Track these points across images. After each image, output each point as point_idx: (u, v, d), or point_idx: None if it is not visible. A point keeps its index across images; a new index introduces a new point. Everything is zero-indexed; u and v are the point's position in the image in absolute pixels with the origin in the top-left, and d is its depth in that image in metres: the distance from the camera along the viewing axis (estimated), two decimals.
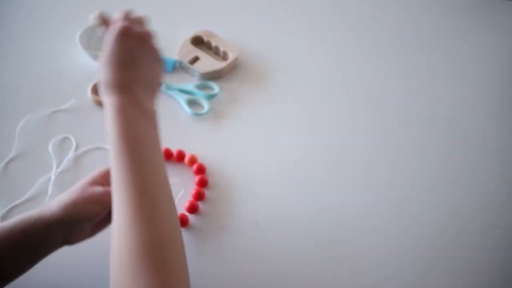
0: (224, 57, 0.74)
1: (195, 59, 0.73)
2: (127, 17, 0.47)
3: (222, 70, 0.71)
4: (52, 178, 0.59)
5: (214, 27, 0.77)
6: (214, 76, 0.72)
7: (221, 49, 0.74)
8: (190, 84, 0.70)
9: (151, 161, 0.38)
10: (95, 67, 0.72)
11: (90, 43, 0.72)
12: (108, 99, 0.40)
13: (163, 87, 0.69)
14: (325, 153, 0.64)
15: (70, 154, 0.62)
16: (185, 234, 0.54)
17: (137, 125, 0.39)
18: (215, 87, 0.70)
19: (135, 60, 0.43)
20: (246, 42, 0.77)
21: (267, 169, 0.61)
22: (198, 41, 0.76)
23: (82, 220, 0.43)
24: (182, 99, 0.68)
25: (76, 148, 0.63)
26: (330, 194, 0.59)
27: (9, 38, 0.78)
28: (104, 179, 0.46)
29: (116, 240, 0.34)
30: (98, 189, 0.44)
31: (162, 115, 0.67)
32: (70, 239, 0.45)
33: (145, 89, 0.43)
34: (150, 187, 0.36)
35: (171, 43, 0.75)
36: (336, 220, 0.57)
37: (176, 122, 0.67)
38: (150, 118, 0.42)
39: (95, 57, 0.70)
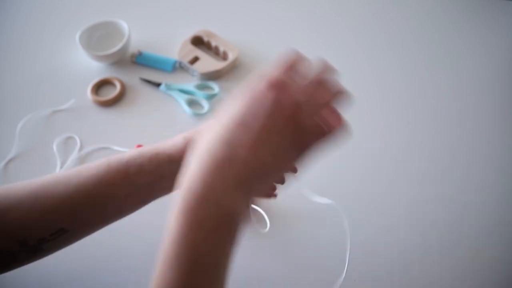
0: (224, 57, 0.74)
1: (195, 59, 0.73)
2: (293, 69, 0.31)
3: (222, 70, 0.71)
4: None
5: (214, 27, 0.77)
6: (214, 76, 0.72)
7: (221, 49, 0.74)
8: (190, 84, 0.70)
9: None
10: (95, 66, 0.73)
11: (90, 43, 0.72)
12: (191, 182, 0.29)
13: (162, 87, 0.70)
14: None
15: (75, 154, 0.62)
16: None
17: (215, 236, 0.29)
18: (215, 87, 0.70)
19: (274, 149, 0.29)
20: (246, 42, 0.77)
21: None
22: (198, 41, 0.76)
23: None
24: (182, 99, 0.68)
25: (81, 148, 0.63)
26: (329, 194, 0.59)
27: (9, 38, 0.78)
28: None
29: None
30: None
31: (162, 115, 0.68)
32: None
33: (245, 172, 0.29)
34: None
35: (171, 43, 0.75)
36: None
37: (176, 122, 0.67)
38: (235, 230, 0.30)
39: (95, 57, 0.70)
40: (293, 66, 0.31)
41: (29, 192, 0.37)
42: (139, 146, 0.61)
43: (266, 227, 0.53)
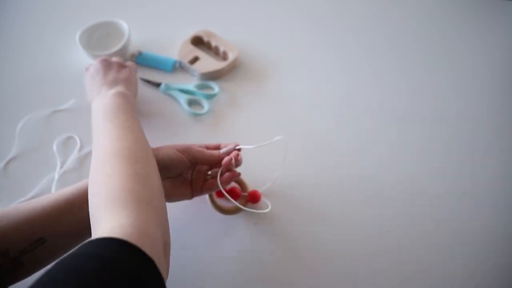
0: (224, 57, 0.74)
1: (195, 59, 0.73)
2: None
3: (222, 70, 0.71)
4: (56, 177, 0.59)
5: (214, 27, 0.77)
6: (214, 76, 0.72)
7: (221, 49, 0.74)
8: (190, 84, 0.70)
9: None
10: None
11: (90, 43, 0.72)
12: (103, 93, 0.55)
13: (163, 87, 0.69)
14: (324, 153, 0.64)
15: (75, 154, 0.62)
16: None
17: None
18: (215, 87, 0.70)
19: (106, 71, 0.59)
20: (246, 42, 0.77)
21: (266, 169, 0.61)
22: (198, 41, 0.76)
23: (168, 167, 0.49)
24: (182, 99, 0.68)
25: (81, 148, 0.63)
26: (329, 193, 0.59)
27: (9, 38, 0.78)
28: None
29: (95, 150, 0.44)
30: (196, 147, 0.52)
31: (162, 115, 0.68)
32: None
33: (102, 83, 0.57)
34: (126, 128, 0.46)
35: (171, 43, 0.75)
36: (337, 219, 0.57)
37: (176, 122, 0.67)
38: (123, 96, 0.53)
39: (95, 57, 0.70)
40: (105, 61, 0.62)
41: (7, 209, 0.40)
42: None
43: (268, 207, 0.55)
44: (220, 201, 0.57)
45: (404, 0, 0.88)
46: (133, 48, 0.74)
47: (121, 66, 0.60)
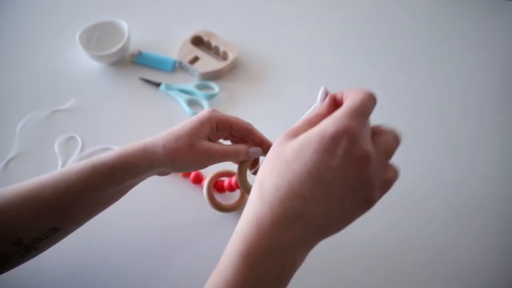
0: (224, 57, 0.74)
1: (195, 59, 0.73)
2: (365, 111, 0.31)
3: (222, 70, 0.71)
4: None
5: (214, 27, 0.77)
6: (214, 76, 0.72)
7: (221, 49, 0.74)
8: (190, 84, 0.70)
9: None
10: (94, 66, 0.73)
11: (90, 43, 0.72)
12: (261, 204, 0.30)
13: (162, 87, 0.69)
14: None
15: (76, 154, 0.62)
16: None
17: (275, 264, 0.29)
18: (215, 87, 0.70)
19: (331, 185, 0.28)
20: (246, 42, 0.77)
21: None
22: (198, 41, 0.76)
23: (184, 170, 0.45)
24: (182, 99, 0.68)
25: (82, 148, 0.63)
26: None
27: (9, 38, 0.78)
28: (211, 130, 0.43)
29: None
30: (208, 145, 0.42)
31: (162, 116, 0.68)
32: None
33: (314, 230, 0.29)
34: None
35: (171, 43, 0.75)
36: None
37: (176, 122, 0.66)
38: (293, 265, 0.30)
39: (95, 57, 0.70)
40: (366, 111, 0.31)
41: (16, 197, 0.39)
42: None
43: None
44: (218, 198, 0.56)
45: (405, 0, 0.88)
46: (133, 48, 0.74)
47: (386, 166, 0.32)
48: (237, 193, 0.58)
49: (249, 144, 0.45)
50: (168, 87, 0.70)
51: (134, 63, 0.73)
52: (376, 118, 0.70)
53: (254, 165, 0.48)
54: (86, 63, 0.73)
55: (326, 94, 0.37)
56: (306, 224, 0.28)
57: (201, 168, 0.44)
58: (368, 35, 0.81)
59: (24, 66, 0.73)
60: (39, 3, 0.84)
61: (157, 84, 0.70)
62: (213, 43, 0.74)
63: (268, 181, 0.30)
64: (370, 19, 0.84)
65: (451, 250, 0.55)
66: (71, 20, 0.79)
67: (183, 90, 0.70)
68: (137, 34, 0.75)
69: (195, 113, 0.67)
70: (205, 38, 0.75)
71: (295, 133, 0.31)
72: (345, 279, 0.52)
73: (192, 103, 0.69)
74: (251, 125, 0.46)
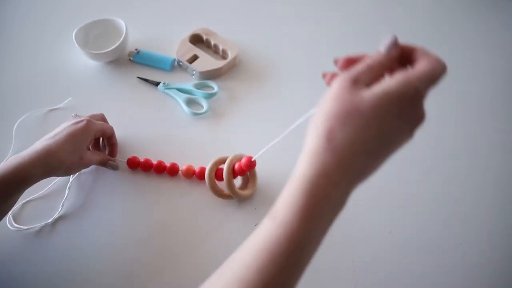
0: (223, 55, 0.73)
1: (194, 58, 0.72)
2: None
3: (221, 69, 0.71)
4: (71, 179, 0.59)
5: (213, 26, 0.76)
6: (213, 75, 0.71)
7: (220, 47, 0.73)
8: (189, 83, 0.70)
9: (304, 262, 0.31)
10: (92, 65, 0.72)
11: (87, 41, 0.71)
12: (331, 157, 0.29)
13: (161, 87, 0.69)
14: None
15: None
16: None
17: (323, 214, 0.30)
18: (214, 86, 0.69)
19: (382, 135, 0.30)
20: (246, 40, 0.76)
21: (266, 169, 0.60)
22: (197, 40, 0.76)
23: (69, 174, 0.56)
24: (180, 98, 0.67)
25: None
26: None
27: (7, 37, 0.78)
28: (91, 140, 0.55)
29: (235, 261, 0.31)
30: (90, 156, 0.55)
31: (160, 115, 0.67)
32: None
33: (357, 175, 0.31)
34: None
35: (170, 41, 0.74)
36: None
37: (175, 122, 0.66)
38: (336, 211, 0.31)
39: (92, 55, 0.70)
40: (438, 82, 0.34)
41: None
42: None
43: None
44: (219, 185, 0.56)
45: (405, 0, 0.87)
46: (131, 47, 0.73)
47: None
48: (239, 179, 0.58)
49: (107, 156, 0.59)
50: (167, 86, 0.69)
51: (132, 61, 0.73)
52: None
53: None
54: (83, 62, 0.72)
55: (395, 44, 0.36)
56: (364, 177, 0.31)
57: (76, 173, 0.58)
58: (368, 35, 0.80)
59: (22, 65, 0.73)
60: (37, 3, 0.83)
61: (156, 83, 0.70)
62: (213, 42, 0.74)
63: (341, 133, 0.29)
64: (370, 19, 0.83)
65: (452, 250, 0.55)
66: (70, 19, 0.78)
67: (182, 89, 0.69)
68: (135, 33, 0.74)
69: (194, 113, 0.66)
70: (204, 37, 0.75)
71: (358, 79, 0.31)
72: (346, 279, 0.52)
73: (191, 102, 0.68)
74: (113, 130, 0.59)
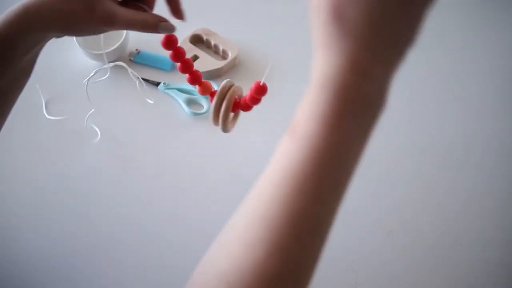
0: (224, 56, 0.73)
1: (194, 58, 0.72)
2: None
3: (221, 69, 0.71)
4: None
5: (214, 26, 0.76)
6: (214, 75, 0.71)
7: (221, 47, 0.73)
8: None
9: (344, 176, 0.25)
10: (92, 65, 0.72)
11: (87, 41, 0.71)
12: (351, 42, 0.22)
13: (161, 87, 0.69)
14: None
15: None
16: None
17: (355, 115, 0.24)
18: (215, 86, 0.69)
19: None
20: (246, 40, 0.76)
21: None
22: (197, 40, 0.76)
23: (80, 35, 0.39)
24: (181, 98, 0.67)
25: None
26: None
27: None
28: None
29: (256, 195, 0.26)
30: (112, 9, 0.36)
31: (160, 115, 0.67)
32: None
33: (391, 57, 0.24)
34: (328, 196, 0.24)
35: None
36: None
37: (175, 122, 0.66)
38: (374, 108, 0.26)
39: (92, 55, 0.70)
40: None
41: None
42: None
43: None
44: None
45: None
46: (131, 47, 0.73)
47: None
48: None
49: (157, 15, 0.38)
50: (167, 87, 0.69)
51: (133, 62, 0.73)
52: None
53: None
54: (84, 62, 0.72)
55: None
56: (402, 50, 0.24)
57: (100, 33, 0.39)
58: None
59: None
60: None
61: (156, 84, 0.70)
62: (213, 42, 0.74)
63: (349, 7, 0.21)
64: None
65: (452, 250, 0.54)
66: None
67: (182, 90, 0.69)
68: (135, 33, 0.74)
69: (194, 113, 0.66)
70: (205, 37, 0.75)
71: None
72: (346, 279, 0.52)
73: (191, 102, 0.68)
74: None
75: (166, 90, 0.69)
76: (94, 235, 0.55)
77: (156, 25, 0.39)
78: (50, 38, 0.37)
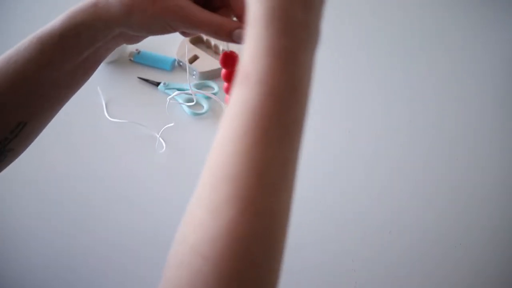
0: None
1: (194, 58, 0.72)
2: None
3: (221, 69, 0.71)
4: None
5: None
6: (214, 75, 0.71)
7: (221, 48, 0.73)
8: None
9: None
10: None
11: None
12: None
13: (161, 87, 0.69)
14: (324, 153, 0.63)
15: None
16: None
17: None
18: (215, 86, 0.69)
19: None
20: None
21: None
22: (197, 40, 0.76)
23: (148, 32, 0.37)
24: (181, 98, 0.67)
25: None
26: (327, 192, 0.59)
27: (6, 37, 0.77)
28: None
29: (215, 155, 0.25)
30: (183, 2, 0.33)
31: (160, 115, 0.67)
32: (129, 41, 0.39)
33: None
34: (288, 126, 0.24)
35: (170, 41, 0.74)
36: (337, 218, 0.56)
37: (175, 122, 0.66)
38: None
39: None
40: None
41: None
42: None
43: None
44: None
45: (408, 2, 0.87)
46: (131, 47, 0.73)
47: None
48: None
49: (234, 21, 0.35)
50: (167, 87, 0.69)
51: (132, 62, 0.73)
52: (376, 118, 0.70)
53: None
54: None
55: None
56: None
57: (169, 32, 0.36)
58: (369, 33, 0.81)
59: None
60: (38, 2, 0.83)
61: (156, 84, 0.70)
62: (213, 42, 0.74)
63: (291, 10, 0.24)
64: (370, 19, 0.83)
65: (452, 250, 0.54)
66: None
67: (182, 90, 0.69)
68: None
69: (194, 113, 0.66)
70: (205, 37, 0.75)
71: None
72: (346, 279, 0.52)
73: (191, 102, 0.68)
74: None
75: (166, 90, 0.69)
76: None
77: (231, 32, 0.34)
78: (116, 34, 0.36)
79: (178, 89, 0.69)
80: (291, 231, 0.53)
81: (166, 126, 0.63)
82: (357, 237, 0.55)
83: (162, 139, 0.62)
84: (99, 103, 0.67)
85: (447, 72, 0.75)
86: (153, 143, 0.62)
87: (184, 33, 0.40)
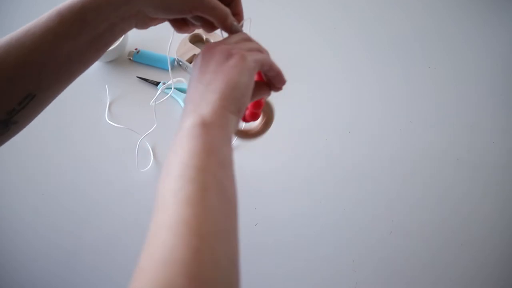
0: None
1: (194, 58, 0.72)
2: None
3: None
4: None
5: None
6: None
7: None
8: None
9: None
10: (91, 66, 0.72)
11: None
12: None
13: (161, 86, 0.69)
14: (324, 153, 0.63)
15: None
16: None
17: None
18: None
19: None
20: None
21: (265, 169, 0.60)
22: (197, 39, 0.75)
23: (165, 10, 0.39)
24: (180, 98, 0.67)
25: None
26: (328, 192, 0.59)
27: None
28: None
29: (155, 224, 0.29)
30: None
31: (160, 115, 0.67)
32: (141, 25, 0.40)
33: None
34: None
35: (170, 41, 0.74)
36: (337, 218, 0.56)
37: (174, 122, 0.66)
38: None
39: None
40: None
41: None
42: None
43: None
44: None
45: (408, 3, 0.87)
46: (130, 46, 0.73)
47: (228, 54, 0.39)
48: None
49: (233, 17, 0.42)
50: (166, 86, 0.69)
51: (132, 61, 0.72)
52: (375, 117, 0.70)
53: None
54: None
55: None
56: (212, 84, 0.36)
57: (186, 14, 0.40)
58: (370, 33, 0.80)
59: None
60: (37, 2, 0.83)
61: (155, 83, 0.69)
62: (212, 42, 0.74)
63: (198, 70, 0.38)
64: (371, 18, 0.83)
65: (452, 251, 0.54)
66: None
67: (182, 89, 0.69)
68: (135, 32, 0.74)
69: None
70: (204, 36, 0.74)
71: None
72: (346, 279, 0.52)
73: None
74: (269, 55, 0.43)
75: (166, 90, 0.68)
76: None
77: (231, 22, 0.43)
78: (134, 12, 0.38)
79: (178, 89, 0.69)
80: (294, 232, 0.54)
81: (161, 127, 0.62)
82: (357, 238, 0.55)
83: (159, 137, 0.62)
84: (104, 101, 0.67)
85: (447, 72, 0.75)
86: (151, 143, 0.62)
87: (179, 30, 0.45)
